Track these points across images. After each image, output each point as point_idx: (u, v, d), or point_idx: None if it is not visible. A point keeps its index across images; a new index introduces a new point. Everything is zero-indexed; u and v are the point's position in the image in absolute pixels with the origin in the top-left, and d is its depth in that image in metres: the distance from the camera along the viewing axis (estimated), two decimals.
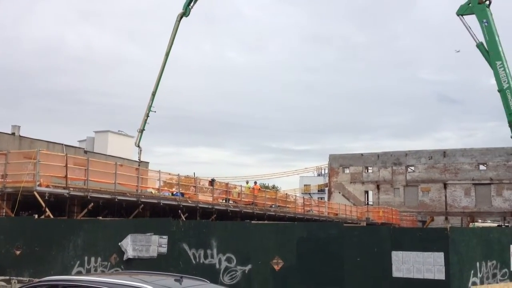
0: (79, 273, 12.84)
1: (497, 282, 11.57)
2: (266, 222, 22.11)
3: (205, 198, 29.61)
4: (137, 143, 31.31)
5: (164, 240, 12.67)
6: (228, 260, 12.12)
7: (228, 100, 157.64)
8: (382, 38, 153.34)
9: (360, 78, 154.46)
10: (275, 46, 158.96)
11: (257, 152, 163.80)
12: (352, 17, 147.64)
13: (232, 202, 31.57)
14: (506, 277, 11.82)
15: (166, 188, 28.36)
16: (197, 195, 28.31)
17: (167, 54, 31.80)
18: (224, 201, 31.20)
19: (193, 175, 31.99)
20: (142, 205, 23.19)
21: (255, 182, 38.70)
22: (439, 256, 10.46)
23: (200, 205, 27.12)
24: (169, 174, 28.51)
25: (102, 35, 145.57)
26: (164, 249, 12.63)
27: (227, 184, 34.14)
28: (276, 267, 11.77)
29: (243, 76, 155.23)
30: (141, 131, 31.29)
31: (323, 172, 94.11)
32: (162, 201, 24.31)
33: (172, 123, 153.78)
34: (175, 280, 6.04)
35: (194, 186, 28.92)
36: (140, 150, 31.19)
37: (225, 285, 10.79)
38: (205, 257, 12.33)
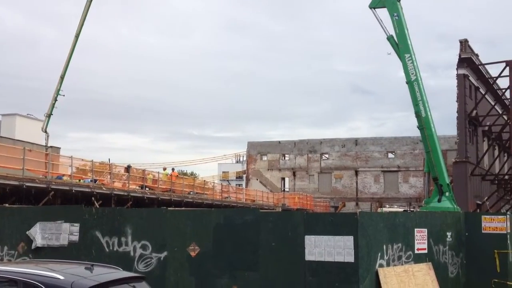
0: None
1: (402, 264, 12.22)
2: (183, 208, 21.98)
3: (120, 185, 28.94)
4: (44, 128, 29.84)
5: (76, 228, 12.23)
6: (143, 247, 11.93)
7: (148, 86, 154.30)
8: (300, 28, 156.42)
9: (280, 67, 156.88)
10: (196, 33, 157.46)
11: (176, 138, 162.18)
12: (272, 6, 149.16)
13: (148, 189, 31.09)
14: (410, 259, 12.51)
15: (79, 175, 27.38)
16: (112, 182, 27.59)
17: (77, 36, 30.48)
18: (140, 188, 30.64)
19: (108, 161, 31.11)
20: (53, 192, 22.25)
21: (173, 169, 38.29)
22: (349, 240, 10.88)
23: (115, 192, 26.48)
24: (83, 160, 27.56)
25: (13, 16, 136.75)
26: (75, 237, 12.20)
27: (143, 170, 33.52)
28: (193, 254, 11.74)
29: (164, 62, 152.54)
30: (49, 115, 29.85)
31: (241, 159, 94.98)
32: (75, 188, 23.48)
33: (88, 108, 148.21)
34: (86, 268, 5.86)
35: (109, 173, 28.16)
36: (47, 136, 29.76)
37: (139, 273, 10.62)
38: (119, 245, 12.06)
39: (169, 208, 13.79)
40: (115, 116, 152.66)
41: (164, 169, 38.15)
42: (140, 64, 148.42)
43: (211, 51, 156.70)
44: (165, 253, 11.82)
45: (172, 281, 11.73)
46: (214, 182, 51.80)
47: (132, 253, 11.94)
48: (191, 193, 36.14)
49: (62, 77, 30.61)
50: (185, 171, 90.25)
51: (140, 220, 12.33)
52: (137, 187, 30.51)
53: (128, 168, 30.40)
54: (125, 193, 27.53)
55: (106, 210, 13.69)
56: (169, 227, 12.02)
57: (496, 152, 44.13)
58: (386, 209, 36.98)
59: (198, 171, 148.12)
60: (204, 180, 45.82)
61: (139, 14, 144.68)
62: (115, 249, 12.04)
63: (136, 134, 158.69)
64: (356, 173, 63.86)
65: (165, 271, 11.76)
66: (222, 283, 11.31)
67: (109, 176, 28.03)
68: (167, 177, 34.73)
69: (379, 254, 11.53)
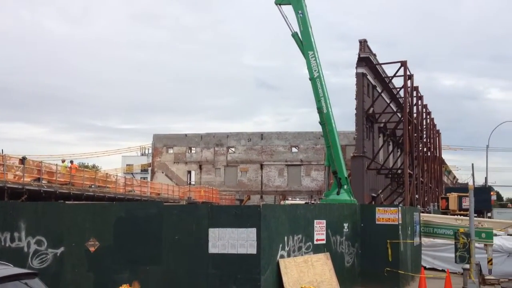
0: None
1: (302, 255, 12.63)
2: (82, 202, 21.17)
3: (14, 177, 27.31)
4: None
5: None
6: (38, 243, 11.38)
7: (49, 73, 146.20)
8: (210, 21, 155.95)
9: (188, 59, 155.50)
10: (102, 21, 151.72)
11: (78, 129, 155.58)
12: None
13: (46, 182, 29.61)
14: (310, 250, 12.95)
15: None
16: (5, 174, 25.94)
17: None
18: (36, 181, 29.07)
19: (1, 152, 29.15)
20: None
21: (72, 161, 36.67)
22: (252, 232, 11.07)
23: (8, 185, 24.95)
24: None
25: None
26: None
27: (40, 162, 31.80)
28: (92, 249, 11.38)
29: (67, 49, 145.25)
30: None
31: (147, 152, 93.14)
32: None
33: None
34: None
35: (2, 165, 26.42)
36: None
37: (34, 269, 10.08)
38: (12, 240, 11.42)
39: (67, 202, 13.24)
40: (11, 104, 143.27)
41: (63, 161, 36.46)
42: (41, 50, 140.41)
43: (117, 40, 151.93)
44: (61, 249, 11.36)
45: (69, 278, 11.31)
46: (117, 175, 50.37)
47: (26, 249, 11.39)
48: (93, 186, 34.91)
49: None
50: (87, 164, 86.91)
51: (35, 214, 11.76)
52: (33, 180, 28.91)
53: (23, 160, 28.69)
54: (20, 186, 26.03)
55: None
56: (66, 222, 11.56)
57: (390, 148, 46.91)
58: (289, 201, 38.00)
59: (101, 164, 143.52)
60: (107, 173, 44.40)
61: None
62: (7, 245, 11.42)
63: (34, 124, 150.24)
64: (261, 166, 64.97)
65: (61, 267, 11.31)
66: (122, 278, 11.05)
67: (1, 168, 26.29)
68: (66, 170, 33.24)
69: (281, 245, 11.84)
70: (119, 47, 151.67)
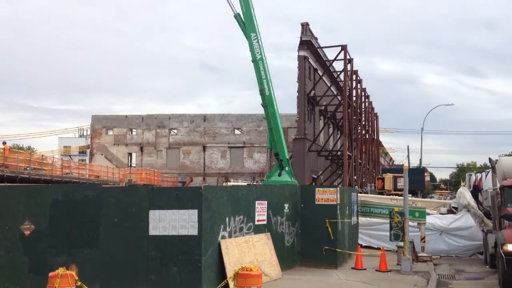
0: None
1: (243, 235, 12.75)
2: (16, 184, 20.37)
3: None
4: None
5: None
6: None
7: None
8: (149, 1, 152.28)
9: (126, 39, 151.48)
10: None
11: (11, 110, 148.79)
12: None
13: None
14: (251, 230, 13.10)
15: None
16: None
17: None
18: None
19: None
20: None
21: (4, 142, 35.17)
22: (193, 213, 11.05)
23: None
24: None
25: None
26: None
27: None
28: (27, 232, 11.04)
29: None
30: None
31: (85, 133, 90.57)
32: None
33: None
34: None
35: None
36: None
37: None
38: None
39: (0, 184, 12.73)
40: None
41: None
42: None
43: (49, 17, 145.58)
44: None
45: (3, 262, 10.95)
46: (53, 157, 48.78)
47: None
48: (28, 168, 33.71)
49: None
50: (21, 145, 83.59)
51: None
52: None
53: None
54: None
55: None
56: None
57: (331, 130, 47.88)
58: (231, 183, 38.12)
59: (36, 146, 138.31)
60: (42, 155, 42.93)
61: None
62: None
63: None
64: (204, 148, 64.71)
65: None
66: (59, 262, 10.76)
67: None
68: None
69: (222, 226, 11.89)
70: (54, 24, 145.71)
